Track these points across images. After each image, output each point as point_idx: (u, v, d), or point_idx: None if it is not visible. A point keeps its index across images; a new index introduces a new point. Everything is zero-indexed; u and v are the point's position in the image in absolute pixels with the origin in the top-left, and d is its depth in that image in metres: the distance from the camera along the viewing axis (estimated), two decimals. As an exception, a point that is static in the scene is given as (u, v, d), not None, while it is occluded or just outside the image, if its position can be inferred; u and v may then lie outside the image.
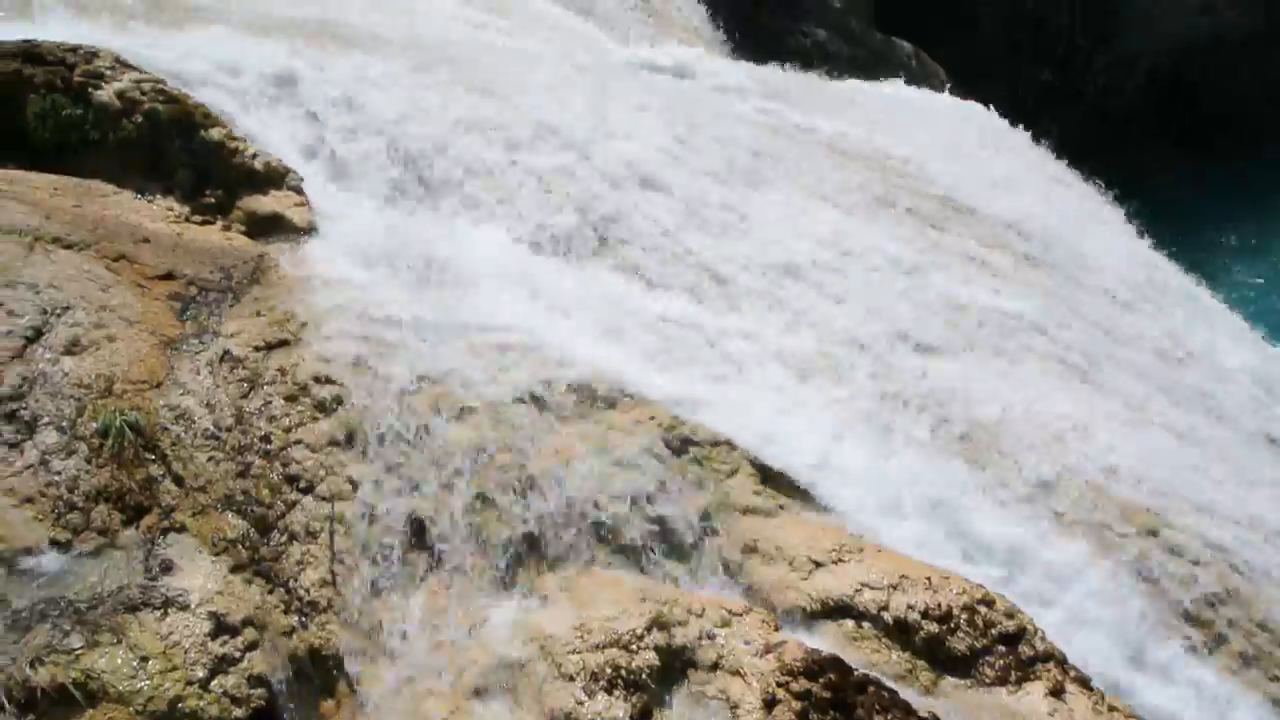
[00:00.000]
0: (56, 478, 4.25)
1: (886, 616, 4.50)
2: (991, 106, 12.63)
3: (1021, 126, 12.16)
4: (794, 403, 5.61)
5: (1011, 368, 6.82)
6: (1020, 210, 9.10)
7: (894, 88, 12.46)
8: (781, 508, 4.89)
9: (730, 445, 4.92)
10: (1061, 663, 4.67)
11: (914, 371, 6.26)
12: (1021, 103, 15.78)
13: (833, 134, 9.27)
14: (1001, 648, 4.61)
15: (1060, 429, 6.48)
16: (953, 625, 4.56)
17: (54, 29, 7.11)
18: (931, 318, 6.86)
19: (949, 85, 16.21)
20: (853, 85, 11.96)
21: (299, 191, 6.34)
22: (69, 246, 5.38)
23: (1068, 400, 6.87)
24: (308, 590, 4.12)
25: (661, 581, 4.41)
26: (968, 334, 7.00)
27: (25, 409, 4.44)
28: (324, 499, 4.31)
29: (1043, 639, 4.71)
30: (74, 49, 6.48)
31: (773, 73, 11.29)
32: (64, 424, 4.40)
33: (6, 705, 3.31)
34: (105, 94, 6.29)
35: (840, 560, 4.67)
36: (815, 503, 5.03)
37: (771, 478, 4.98)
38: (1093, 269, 9.26)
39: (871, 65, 14.96)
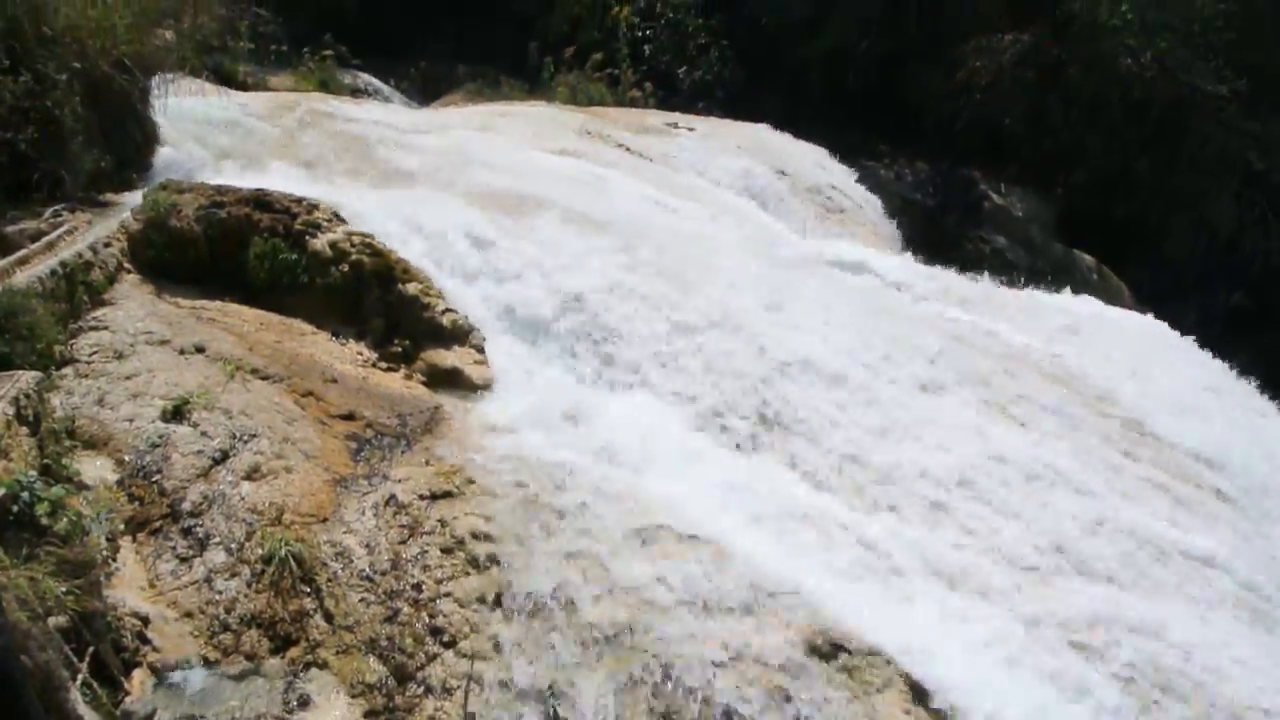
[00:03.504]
0: (217, 597, 4.40)
1: None
2: (1179, 328, 12.12)
3: (1212, 351, 11.57)
4: (957, 619, 5.30)
5: (1195, 610, 6.28)
6: (1210, 440, 8.55)
7: (1075, 301, 12.14)
8: (934, 732, 4.55)
9: (884, 658, 4.65)
10: None
11: (1085, 605, 5.83)
12: (1212, 325, 15.06)
13: (1012, 343, 9.08)
14: None
15: (1232, 676, 5.87)
16: None
17: (281, 180, 7.84)
18: (1106, 547, 6.43)
19: (1133, 303, 15.74)
20: (1032, 295, 11.75)
21: (480, 350, 6.62)
22: (265, 378, 5.74)
23: (1247, 649, 6.24)
24: (435, 749, 4.04)
25: (795, 795, 4.14)
26: (1143, 568, 6.52)
27: (201, 526, 4.66)
28: (465, 656, 4.28)
29: None
30: (298, 200, 7.10)
31: (951, 276, 11.22)
32: (233, 545, 4.58)
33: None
34: (319, 243, 6.81)
35: (993, 801, 4.29)
36: (971, 731, 4.67)
37: (925, 697, 4.65)
38: (1292, 509, 8.55)
39: (1051, 276, 14.69)
